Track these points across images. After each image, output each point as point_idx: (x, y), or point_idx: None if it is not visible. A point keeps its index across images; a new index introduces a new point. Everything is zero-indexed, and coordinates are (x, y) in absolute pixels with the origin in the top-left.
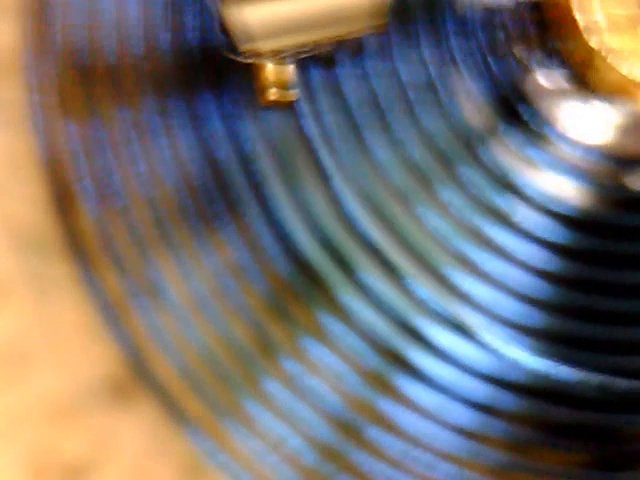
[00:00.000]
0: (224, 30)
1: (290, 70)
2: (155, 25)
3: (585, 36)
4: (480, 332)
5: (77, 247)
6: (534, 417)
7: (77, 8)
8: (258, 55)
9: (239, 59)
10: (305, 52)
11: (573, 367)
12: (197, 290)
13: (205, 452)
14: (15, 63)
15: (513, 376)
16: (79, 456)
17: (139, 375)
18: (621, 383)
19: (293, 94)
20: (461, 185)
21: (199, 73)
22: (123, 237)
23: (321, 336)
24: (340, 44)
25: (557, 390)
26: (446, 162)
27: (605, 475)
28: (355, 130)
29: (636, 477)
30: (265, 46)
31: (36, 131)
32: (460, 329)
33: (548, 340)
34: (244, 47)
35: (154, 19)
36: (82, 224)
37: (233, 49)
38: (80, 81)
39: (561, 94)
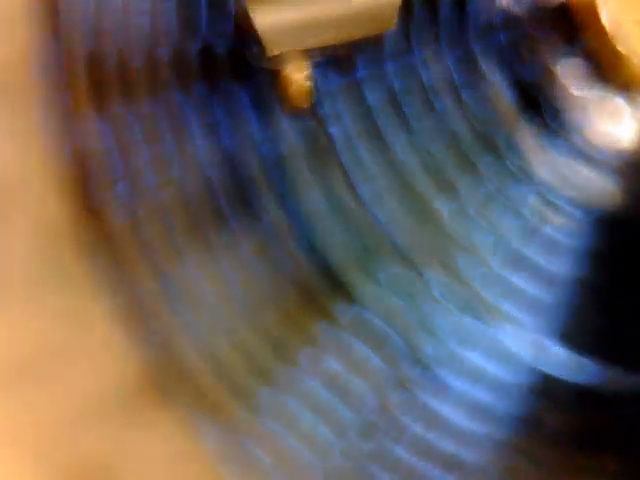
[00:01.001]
0: (251, 37)
1: (311, 74)
2: (185, 31)
3: (613, 40)
4: (505, 335)
5: (109, 247)
6: (567, 422)
7: (109, 14)
8: (284, 61)
9: (266, 65)
10: (326, 54)
11: (608, 370)
12: (231, 289)
13: (237, 448)
14: (41, 64)
15: (541, 381)
16: (105, 457)
17: (171, 374)
18: None
19: (314, 98)
20: (484, 186)
21: (227, 79)
22: (156, 237)
23: (355, 330)
24: (361, 48)
25: (589, 392)
26: (469, 163)
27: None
28: (377, 133)
29: None
30: (291, 51)
31: (68, 132)
32: (483, 329)
33: (576, 344)
34: (271, 53)
35: (185, 25)
36: (115, 224)
37: (260, 55)
38: (111, 83)
39: (586, 95)
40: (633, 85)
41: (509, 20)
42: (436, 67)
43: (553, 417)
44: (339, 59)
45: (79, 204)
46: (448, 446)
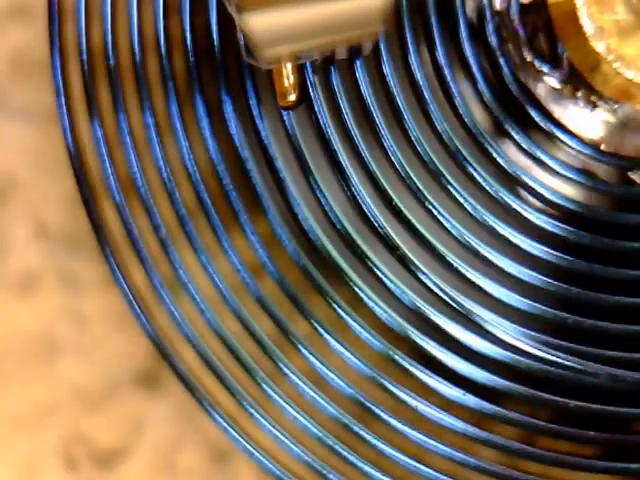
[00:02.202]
0: (244, 36)
1: (305, 72)
2: (179, 29)
3: (591, 42)
4: (491, 325)
5: (103, 243)
6: (545, 408)
7: (103, 11)
8: (276, 60)
9: (258, 64)
10: (321, 55)
11: (584, 360)
12: (218, 284)
13: (226, 436)
14: (43, 64)
15: (524, 368)
16: (108, 443)
17: (164, 365)
18: (631, 376)
19: (310, 95)
20: (472, 183)
21: (221, 75)
22: (147, 234)
23: (337, 327)
24: (355, 47)
25: (568, 382)
26: (458, 161)
27: (614, 465)
28: (372, 130)
29: None
30: (283, 51)
31: (63, 131)
32: (471, 321)
33: (558, 334)
34: (262, 54)
35: (178, 23)
36: (108, 221)
37: (253, 54)
38: (105, 82)
39: (568, 96)
40: (613, 87)
41: (498, 24)
42: (430, 68)
43: (544, 406)
44: (338, 58)
45: (78, 203)
46: (421, 440)
